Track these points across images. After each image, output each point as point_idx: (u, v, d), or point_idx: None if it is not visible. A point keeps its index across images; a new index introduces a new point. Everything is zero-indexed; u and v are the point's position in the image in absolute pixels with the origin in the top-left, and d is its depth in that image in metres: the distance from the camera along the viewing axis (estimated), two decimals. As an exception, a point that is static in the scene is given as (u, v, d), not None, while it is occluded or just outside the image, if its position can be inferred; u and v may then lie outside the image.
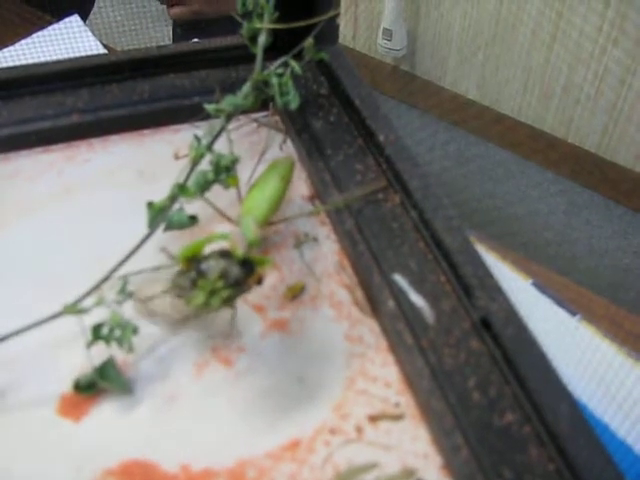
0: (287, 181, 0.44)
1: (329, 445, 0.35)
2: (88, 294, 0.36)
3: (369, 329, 0.40)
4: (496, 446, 0.33)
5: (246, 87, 0.46)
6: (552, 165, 1.70)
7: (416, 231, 0.42)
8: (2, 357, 0.37)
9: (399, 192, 0.44)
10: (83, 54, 0.63)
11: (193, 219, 0.41)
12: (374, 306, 0.40)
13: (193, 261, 0.35)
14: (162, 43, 0.57)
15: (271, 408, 0.36)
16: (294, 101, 0.46)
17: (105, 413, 0.36)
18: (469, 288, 0.38)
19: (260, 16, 0.47)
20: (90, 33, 0.62)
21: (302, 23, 0.46)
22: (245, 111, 0.46)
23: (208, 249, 0.36)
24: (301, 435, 0.35)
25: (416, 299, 0.38)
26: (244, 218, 0.39)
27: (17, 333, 0.36)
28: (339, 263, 0.43)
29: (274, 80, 0.46)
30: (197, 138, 0.42)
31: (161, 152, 0.50)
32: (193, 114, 0.50)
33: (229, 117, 0.44)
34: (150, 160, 0.49)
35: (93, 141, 0.51)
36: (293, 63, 0.46)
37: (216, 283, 0.34)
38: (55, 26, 0.63)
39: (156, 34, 1.18)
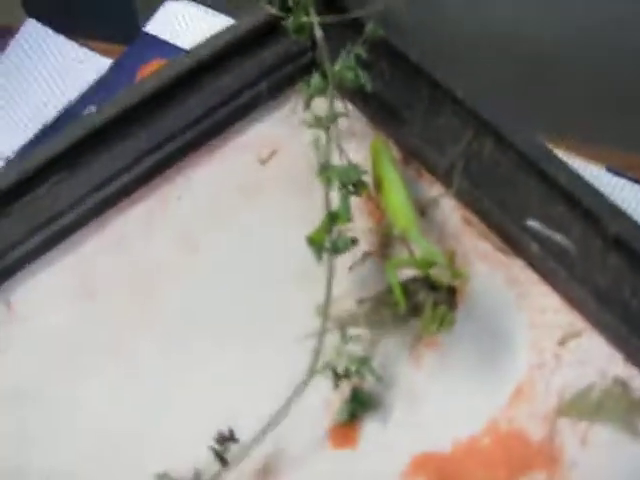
0: (395, 161, 0.52)
1: (542, 378, 0.49)
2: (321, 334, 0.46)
3: (519, 268, 0.52)
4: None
5: (316, 80, 0.52)
6: None
7: (521, 169, 0.52)
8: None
9: (488, 136, 0.53)
10: (65, 59, 0.64)
11: (354, 241, 0.50)
12: (514, 247, 0.52)
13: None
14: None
15: (485, 369, 0.49)
16: (368, 83, 0.52)
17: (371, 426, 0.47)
18: (590, 211, 0.49)
19: (304, 9, 0.52)
20: (54, 34, 0.62)
21: (353, 15, 0.51)
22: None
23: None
24: (520, 380, 0.49)
25: (554, 236, 0.50)
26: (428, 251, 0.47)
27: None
28: (465, 218, 0.53)
29: (346, 70, 0.52)
30: (321, 166, 0.48)
31: (244, 161, 0.56)
32: (247, 110, 0.56)
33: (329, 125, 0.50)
34: (241, 172, 0.55)
35: (169, 176, 0.56)
36: (359, 49, 0.51)
37: (443, 313, 0.44)
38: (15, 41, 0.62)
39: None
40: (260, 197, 0.54)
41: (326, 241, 0.49)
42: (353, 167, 0.49)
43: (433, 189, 0.54)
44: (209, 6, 0.66)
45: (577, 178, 0.49)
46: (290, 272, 0.50)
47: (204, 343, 0.49)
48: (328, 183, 0.49)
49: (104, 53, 0.63)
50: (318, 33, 0.52)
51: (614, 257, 0.48)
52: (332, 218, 0.48)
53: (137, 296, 0.51)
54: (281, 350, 0.49)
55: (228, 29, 0.56)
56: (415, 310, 0.45)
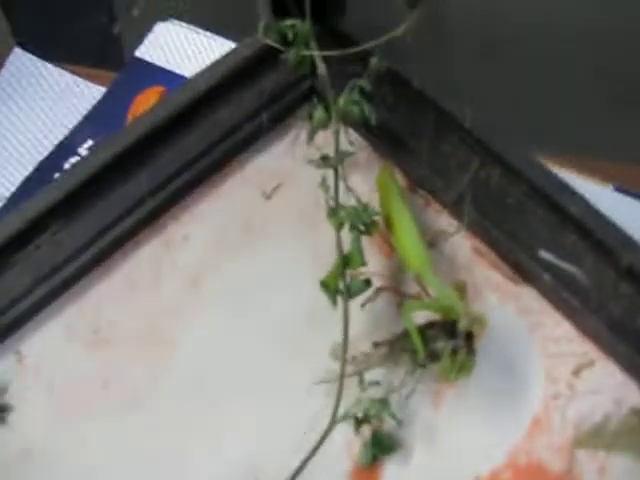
0: (404, 196, 0.52)
1: (558, 409, 0.49)
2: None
3: (531, 298, 0.52)
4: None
5: (319, 114, 0.51)
6: None
7: (530, 199, 0.52)
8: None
9: (496, 165, 0.53)
10: (55, 88, 0.62)
11: (368, 282, 0.50)
12: (526, 277, 0.52)
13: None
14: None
15: (501, 402, 0.49)
16: (372, 116, 0.52)
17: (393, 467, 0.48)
18: (602, 242, 0.50)
19: (304, 41, 0.51)
20: (41, 62, 0.61)
21: (358, 48, 0.50)
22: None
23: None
24: (536, 412, 0.49)
25: (566, 267, 0.51)
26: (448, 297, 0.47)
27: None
28: (475, 248, 0.54)
29: (350, 105, 0.51)
30: (331, 209, 0.48)
31: (249, 197, 0.55)
32: (248, 143, 0.55)
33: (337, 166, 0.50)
34: (245, 209, 0.55)
35: (174, 214, 0.55)
36: (363, 82, 0.51)
37: (462, 360, 0.45)
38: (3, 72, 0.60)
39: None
40: (267, 235, 0.54)
41: (339, 285, 0.49)
42: (364, 208, 0.49)
43: (442, 217, 0.54)
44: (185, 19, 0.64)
45: (588, 208, 0.49)
46: (303, 313, 0.51)
47: (220, 391, 0.49)
48: (339, 226, 0.48)
49: (91, 79, 0.62)
50: (321, 67, 0.51)
51: (627, 287, 0.49)
52: (345, 262, 0.48)
53: (150, 345, 0.51)
54: (299, 395, 0.49)
55: (223, 59, 0.55)
56: (433, 356, 0.46)
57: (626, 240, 0.49)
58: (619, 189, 0.56)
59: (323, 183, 0.49)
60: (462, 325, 0.44)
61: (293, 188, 0.55)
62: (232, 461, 0.47)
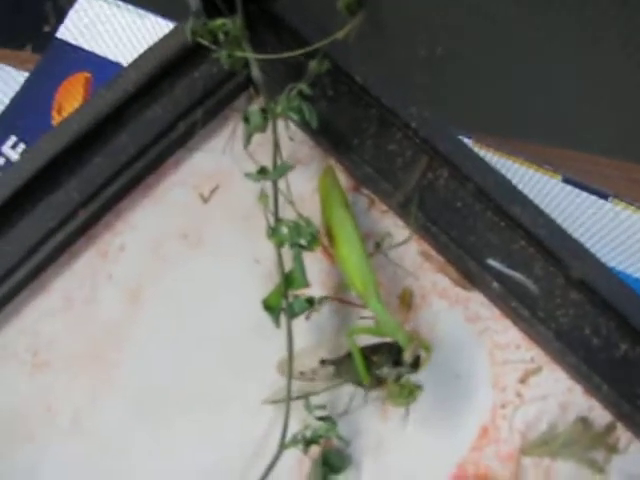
0: (348, 204, 0.50)
1: (506, 418, 0.50)
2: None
3: (479, 303, 0.52)
4: (622, 373, 0.49)
5: (255, 116, 0.49)
6: None
7: (478, 202, 0.51)
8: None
9: (444, 164, 0.51)
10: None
11: (311, 301, 0.49)
12: (474, 282, 0.52)
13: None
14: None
15: (449, 413, 0.50)
16: (313, 120, 0.49)
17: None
18: (551, 251, 0.49)
19: (236, 42, 0.47)
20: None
21: (295, 53, 0.47)
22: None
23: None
24: (484, 421, 0.50)
25: (515, 275, 0.50)
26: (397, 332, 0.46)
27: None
28: (423, 253, 0.53)
29: (289, 111, 0.49)
30: (270, 228, 0.47)
31: (185, 201, 0.53)
32: (183, 140, 0.53)
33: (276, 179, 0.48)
34: (182, 215, 0.53)
35: (108, 222, 0.53)
36: (303, 87, 0.48)
37: (409, 388, 0.45)
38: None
39: None
40: (206, 242, 0.52)
41: (282, 304, 0.47)
42: (305, 223, 0.47)
43: (387, 218, 0.52)
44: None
45: (538, 215, 0.48)
46: (247, 324, 0.50)
47: (165, 410, 0.49)
48: (279, 245, 0.47)
49: (14, 63, 0.58)
50: (255, 71, 0.48)
51: (576, 296, 0.49)
52: (287, 283, 0.47)
53: (90, 365, 0.49)
54: (247, 411, 0.49)
55: (152, 51, 0.52)
56: (378, 381, 0.45)
57: (577, 249, 0.48)
58: (568, 180, 0.54)
59: (262, 196, 0.47)
60: (406, 356, 0.44)
61: (231, 189, 0.53)
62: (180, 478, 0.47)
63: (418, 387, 0.44)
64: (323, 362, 0.48)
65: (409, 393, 0.44)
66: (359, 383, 0.46)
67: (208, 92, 0.52)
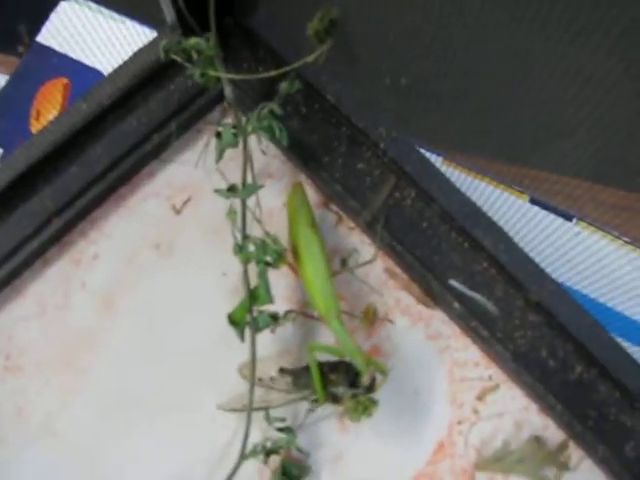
0: (314, 223, 0.51)
1: (462, 433, 0.52)
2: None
3: (440, 321, 0.53)
4: (576, 394, 0.51)
5: (227, 133, 0.50)
6: None
7: (443, 223, 0.52)
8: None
9: (411, 184, 0.52)
10: None
11: (275, 317, 0.50)
12: (436, 300, 0.53)
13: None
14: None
15: (407, 427, 0.52)
16: (284, 138, 0.51)
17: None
18: (512, 274, 0.51)
19: (210, 62, 0.48)
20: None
21: (267, 74, 0.48)
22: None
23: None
24: (440, 436, 0.52)
25: (476, 296, 0.52)
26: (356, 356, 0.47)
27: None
28: (388, 270, 0.54)
29: (260, 130, 0.50)
30: (237, 245, 0.48)
31: (158, 212, 0.54)
32: (157, 152, 0.54)
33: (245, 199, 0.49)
34: (156, 225, 0.54)
35: (83, 230, 0.54)
36: (274, 106, 0.49)
37: (365, 404, 0.46)
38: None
39: None
40: (178, 252, 0.53)
41: (247, 319, 0.49)
42: (271, 241, 0.48)
43: (354, 235, 0.54)
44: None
45: (501, 238, 0.49)
46: (212, 334, 0.51)
47: (133, 417, 0.51)
48: (246, 261, 0.48)
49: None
50: (228, 90, 0.49)
51: (534, 318, 0.50)
52: (252, 298, 0.48)
53: (62, 371, 0.51)
54: (212, 418, 0.50)
55: (128, 63, 0.52)
56: (334, 398, 0.47)
57: (536, 273, 0.49)
58: (534, 201, 0.56)
59: (230, 213, 0.48)
60: (364, 380, 0.45)
61: (203, 202, 0.54)
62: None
63: (373, 403, 0.46)
64: (282, 371, 0.50)
65: (364, 409, 0.46)
66: (315, 400, 0.48)
67: (182, 105, 0.53)
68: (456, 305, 0.51)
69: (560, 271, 0.55)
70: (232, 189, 0.49)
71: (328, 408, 0.50)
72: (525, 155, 0.56)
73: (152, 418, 0.50)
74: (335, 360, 0.48)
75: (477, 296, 0.51)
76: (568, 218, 0.55)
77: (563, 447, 0.51)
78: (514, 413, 0.51)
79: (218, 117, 0.55)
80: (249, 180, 0.48)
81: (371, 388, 0.46)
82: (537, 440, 0.51)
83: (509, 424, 0.51)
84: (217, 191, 0.48)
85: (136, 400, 0.51)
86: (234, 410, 0.50)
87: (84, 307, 0.52)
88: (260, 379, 0.50)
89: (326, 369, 0.47)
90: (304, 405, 0.50)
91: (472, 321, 0.51)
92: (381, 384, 0.46)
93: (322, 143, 0.53)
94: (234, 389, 0.50)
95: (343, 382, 0.46)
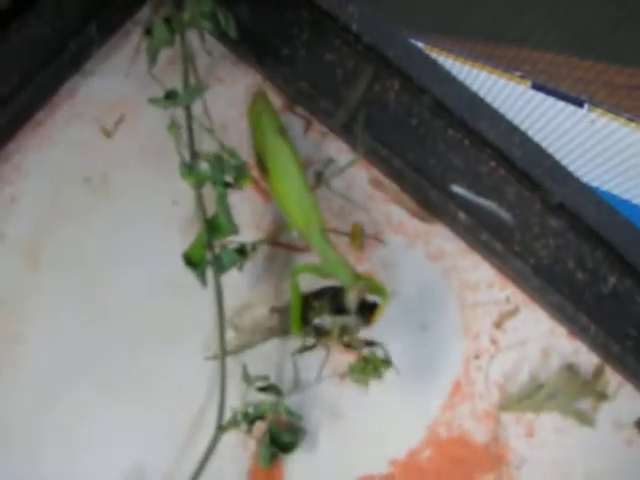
0: (284, 130, 0.41)
1: (480, 369, 0.43)
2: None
3: (442, 237, 0.44)
4: (610, 310, 0.42)
5: (159, 27, 0.40)
6: None
7: (437, 117, 0.43)
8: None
9: (394, 74, 0.43)
10: None
11: (243, 252, 0.41)
12: (435, 212, 0.44)
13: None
14: None
15: (416, 369, 0.43)
16: (231, 29, 0.41)
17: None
18: (526, 173, 0.41)
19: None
20: None
21: None
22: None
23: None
24: (455, 375, 0.43)
25: (484, 203, 0.42)
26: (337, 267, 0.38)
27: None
28: (373, 181, 0.44)
29: (200, 19, 0.40)
30: (185, 165, 0.38)
31: (84, 138, 0.44)
32: (77, 64, 0.43)
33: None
34: (81, 155, 0.44)
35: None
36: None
37: (374, 364, 0.37)
38: None
39: None
40: (112, 185, 0.44)
41: (207, 257, 0.40)
42: (229, 155, 0.39)
43: (329, 141, 0.44)
44: None
45: (511, 131, 0.40)
46: (166, 282, 0.42)
47: (80, 389, 0.42)
48: (198, 184, 0.39)
49: None
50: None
51: (556, 223, 0.41)
52: (211, 229, 0.39)
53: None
54: (175, 386, 0.42)
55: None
56: (319, 332, 0.38)
57: (555, 169, 0.40)
58: (537, 86, 0.46)
59: (172, 126, 0.39)
60: (349, 298, 0.36)
61: (139, 120, 0.44)
62: (117, 456, 0.41)
63: (385, 362, 0.37)
64: (273, 310, 0.41)
65: (374, 369, 0.37)
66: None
67: (103, 2, 0.42)
68: (461, 216, 0.42)
69: (574, 166, 0.46)
70: (171, 95, 0.38)
71: (319, 355, 0.41)
72: (524, 36, 0.46)
73: (104, 393, 0.41)
74: (321, 287, 0.39)
75: (486, 203, 0.41)
76: (578, 103, 0.46)
77: (599, 373, 0.43)
78: (539, 339, 0.43)
79: (148, 15, 0.44)
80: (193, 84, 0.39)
81: (367, 316, 0.37)
82: (569, 369, 0.43)
83: (534, 353, 0.43)
84: (152, 100, 0.38)
85: (81, 373, 0.42)
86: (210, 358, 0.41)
87: (5, 265, 0.42)
88: (237, 327, 0.41)
89: (311, 299, 0.38)
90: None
91: (481, 234, 0.42)
92: (380, 310, 0.37)
93: (279, 32, 0.43)
94: (202, 345, 0.41)
95: (327, 309, 0.37)
